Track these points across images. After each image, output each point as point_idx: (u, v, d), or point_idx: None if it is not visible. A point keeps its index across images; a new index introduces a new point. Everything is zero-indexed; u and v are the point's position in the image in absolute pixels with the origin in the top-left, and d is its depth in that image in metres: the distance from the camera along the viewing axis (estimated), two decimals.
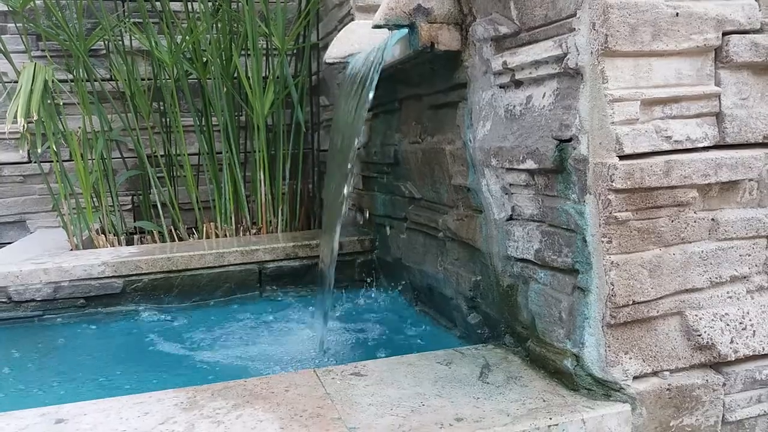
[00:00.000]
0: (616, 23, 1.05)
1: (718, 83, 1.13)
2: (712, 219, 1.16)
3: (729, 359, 1.18)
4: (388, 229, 2.30)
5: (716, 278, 1.17)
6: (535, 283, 1.32)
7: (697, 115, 1.12)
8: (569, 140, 1.15)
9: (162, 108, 3.00)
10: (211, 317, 2.23)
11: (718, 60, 1.13)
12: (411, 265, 2.08)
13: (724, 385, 1.18)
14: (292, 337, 2.01)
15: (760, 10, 1.12)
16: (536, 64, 1.25)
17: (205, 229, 2.69)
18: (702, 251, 1.15)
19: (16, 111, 2.06)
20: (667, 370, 1.16)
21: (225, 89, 2.70)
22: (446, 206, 1.78)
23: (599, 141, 1.09)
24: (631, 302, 1.11)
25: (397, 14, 1.54)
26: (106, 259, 2.26)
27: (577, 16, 1.12)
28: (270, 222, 2.74)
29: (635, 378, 1.15)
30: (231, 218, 2.71)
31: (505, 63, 1.36)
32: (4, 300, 2.17)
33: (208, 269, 2.33)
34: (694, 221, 1.15)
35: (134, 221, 3.17)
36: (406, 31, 1.60)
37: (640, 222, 1.11)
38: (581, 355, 1.18)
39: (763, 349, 1.20)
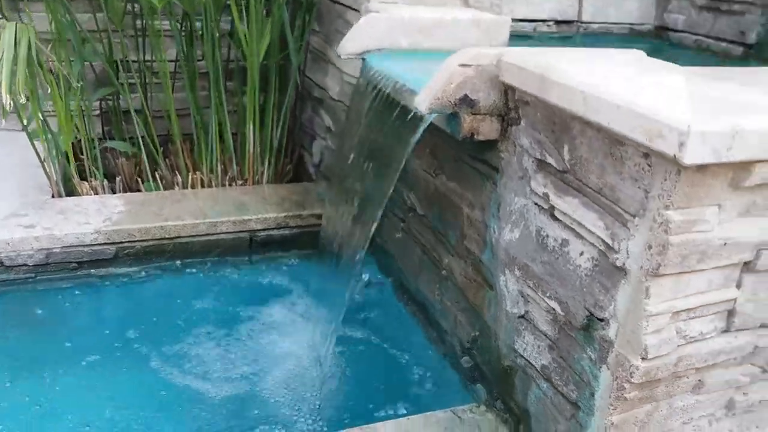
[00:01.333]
0: (671, 255, 1.14)
1: (738, 285, 1.27)
2: (699, 380, 1.36)
3: None
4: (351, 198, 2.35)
5: (689, 421, 1.41)
6: (536, 387, 1.52)
7: (714, 314, 1.27)
8: (600, 320, 1.28)
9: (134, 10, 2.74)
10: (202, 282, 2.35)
11: (745, 267, 1.25)
12: (404, 268, 2.22)
13: None
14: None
15: None
16: (581, 226, 1.33)
17: (191, 178, 2.65)
18: (684, 405, 1.37)
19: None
20: None
21: (213, 39, 2.50)
22: (454, 250, 1.89)
23: (628, 339, 1.23)
24: None
25: (443, 104, 1.51)
26: (98, 226, 2.25)
27: (635, 222, 1.19)
28: (257, 171, 2.73)
29: None
30: (217, 167, 2.68)
31: (547, 195, 1.42)
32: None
33: (201, 236, 2.38)
34: (685, 384, 1.35)
35: (102, 128, 3.04)
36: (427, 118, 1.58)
37: (642, 393, 1.30)
38: None
39: None
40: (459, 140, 1.56)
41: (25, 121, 2.28)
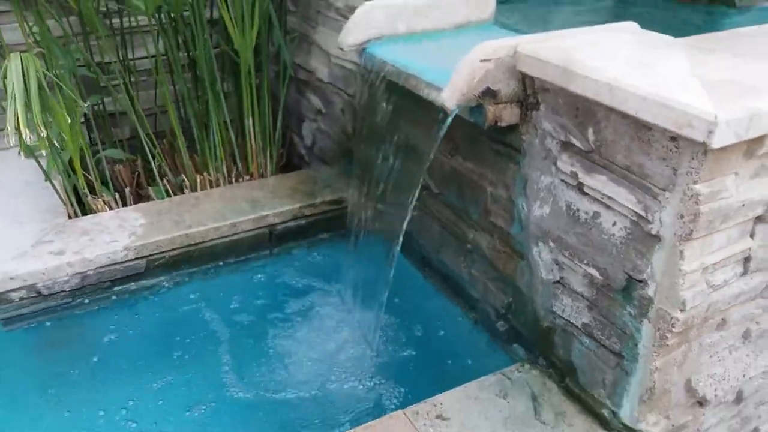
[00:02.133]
0: (701, 222, 1.31)
1: (752, 236, 1.46)
2: (723, 318, 1.57)
3: (710, 400, 1.69)
4: (375, 189, 2.47)
5: (714, 354, 1.62)
6: (578, 343, 1.71)
7: (734, 262, 1.46)
8: (639, 281, 1.46)
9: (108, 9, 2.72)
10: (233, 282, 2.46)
11: (758, 220, 1.44)
12: (424, 244, 2.37)
13: (704, 415, 1.71)
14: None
15: None
16: (611, 200, 1.49)
17: (199, 181, 2.71)
18: (710, 341, 1.58)
19: (17, 121, 1.90)
20: (672, 414, 1.65)
21: (204, 32, 2.53)
22: (478, 225, 2.04)
23: (666, 296, 1.41)
24: (663, 389, 1.55)
25: (468, 98, 1.63)
26: (126, 243, 2.32)
27: (666, 196, 1.35)
28: (260, 164, 2.81)
29: (653, 424, 1.63)
30: (222, 165, 2.74)
31: (575, 174, 1.57)
32: (34, 295, 2.23)
33: (223, 238, 2.47)
34: (711, 324, 1.55)
35: (89, 136, 3.05)
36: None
37: (679, 339, 1.50)
38: (618, 411, 1.63)
39: (731, 387, 1.71)
40: (483, 128, 1.69)
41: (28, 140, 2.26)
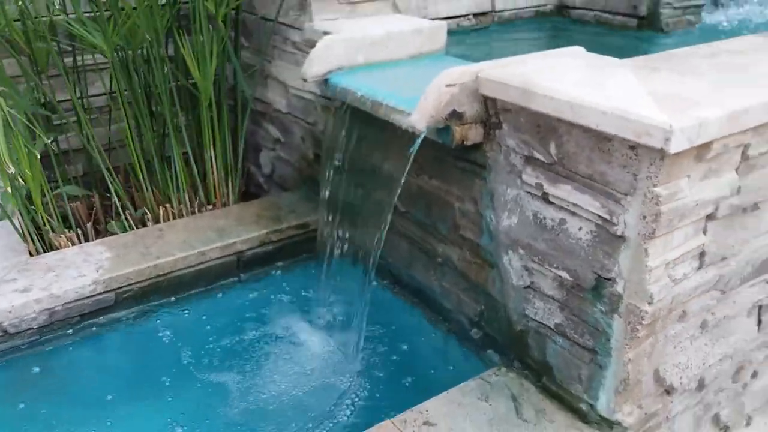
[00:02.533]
0: (662, 221, 1.45)
1: (705, 232, 1.61)
2: (683, 311, 1.71)
3: (676, 388, 1.82)
4: (344, 214, 2.55)
5: (677, 344, 1.76)
6: (552, 343, 1.82)
7: (691, 257, 1.61)
8: (608, 279, 1.59)
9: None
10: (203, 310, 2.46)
11: (708, 218, 1.59)
12: (392, 260, 2.44)
13: (672, 402, 1.84)
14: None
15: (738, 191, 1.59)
16: (576, 206, 1.61)
17: (162, 213, 2.71)
18: (674, 332, 1.72)
19: None
20: (644, 403, 1.78)
21: (164, 68, 2.56)
22: (447, 240, 2.14)
23: (635, 291, 1.54)
24: (636, 379, 1.67)
25: (436, 120, 1.74)
26: (94, 277, 2.30)
27: (628, 200, 1.49)
28: (223, 193, 2.83)
29: (628, 414, 1.75)
30: (185, 195, 2.75)
31: (540, 185, 1.69)
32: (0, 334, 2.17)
33: (191, 267, 2.48)
34: (673, 316, 1.69)
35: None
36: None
37: (648, 331, 1.62)
38: (595, 404, 1.74)
39: (694, 375, 1.86)
40: (451, 147, 1.80)
41: None
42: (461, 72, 1.74)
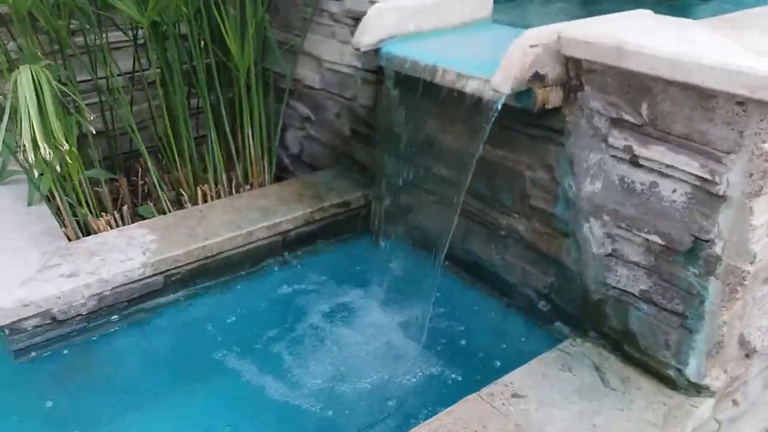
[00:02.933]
0: None
1: None
2: None
3: (758, 351, 1.81)
4: (403, 193, 2.50)
5: (762, 306, 1.74)
6: (636, 311, 1.79)
7: None
8: (706, 241, 1.56)
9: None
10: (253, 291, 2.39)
11: None
12: (427, 224, 2.38)
13: (751, 365, 1.83)
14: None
15: None
16: (671, 167, 1.58)
17: (199, 193, 2.62)
18: (761, 295, 1.70)
19: (33, 135, 1.77)
20: (728, 367, 1.76)
21: (200, 44, 2.47)
22: (511, 211, 2.10)
23: (736, 251, 1.51)
24: (727, 343, 1.65)
25: (520, 82, 1.69)
26: (141, 259, 2.21)
27: (731, 158, 1.45)
28: (260, 173, 2.75)
29: (716, 378, 1.73)
30: (222, 176, 2.67)
31: (629, 148, 1.65)
32: (48, 322, 2.08)
33: (239, 248, 2.40)
34: (762, 277, 1.67)
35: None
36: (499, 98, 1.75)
37: (743, 292, 1.60)
38: (683, 370, 1.72)
39: None
40: (528, 111, 1.75)
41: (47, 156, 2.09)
42: (543, 32, 1.69)
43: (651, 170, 1.63)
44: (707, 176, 1.51)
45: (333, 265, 2.52)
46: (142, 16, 2.26)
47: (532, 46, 1.67)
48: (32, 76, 1.83)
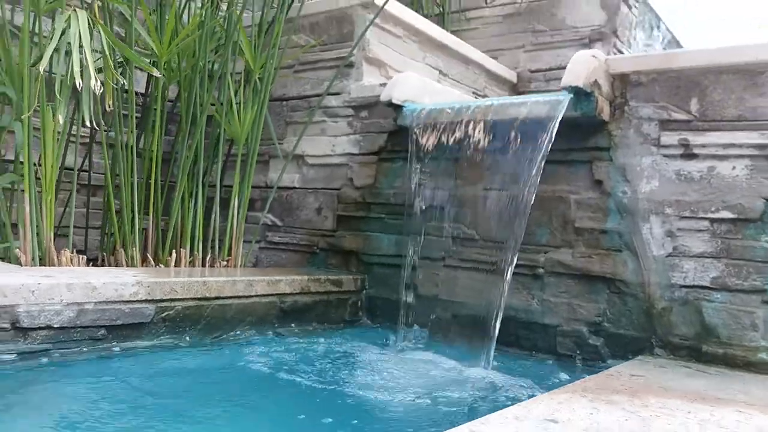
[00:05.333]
0: None
1: None
2: None
3: None
4: (405, 268, 2.38)
5: None
6: (709, 303, 1.79)
7: None
8: None
9: None
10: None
11: None
12: (463, 300, 2.25)
13: None
14: None
15: None
16: (728, 146, 1.79)
17: (174, 255, 2.24)
18: None
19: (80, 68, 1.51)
20: None
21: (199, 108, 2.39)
22: (547, 246, 2.09)
23: None
24: None
25: (586, 83, 1.88)
26: (139, 278, 1.77)
27: None
28: (237, 252, 2.46)
29: None
30: (199, 247, 2.34)
31: (684, 140, 1.85)
32: (5, 326, 1.50)
33: (238, 299, 2.02)
34: None
35: None
36: (564, 98, 1.94)
37: None
38: None
39: None
40: (591, 117, 1.92)
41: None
42: (596, 50, 1.96)
43: (706, 157, 1.82)
44: (765, 142, 1.73)
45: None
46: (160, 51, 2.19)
47: (593, 56, 1.92)
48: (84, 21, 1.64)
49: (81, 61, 1.57)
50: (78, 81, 1.56)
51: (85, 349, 1.65)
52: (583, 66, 1.89)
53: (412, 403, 1.55)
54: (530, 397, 1.50)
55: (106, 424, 1.26)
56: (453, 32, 3.50)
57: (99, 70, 1.82)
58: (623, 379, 1.49)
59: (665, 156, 1.90)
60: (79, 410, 1.32)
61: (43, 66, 1.57)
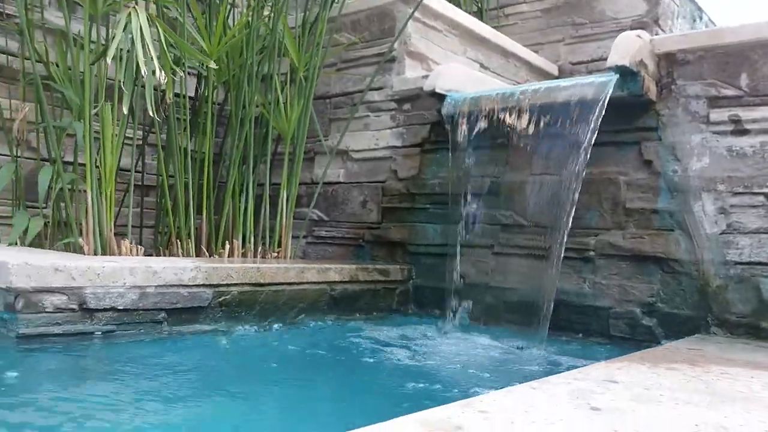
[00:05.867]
0: None
1: None
2: None
3: None
4: (454, 257, 2.39)
5: None
6: (765, 279, 1.76)
7: None
8: None
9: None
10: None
11: None
12: (514, 286, 2.25)
13: None
14: None
15: None
16: None
17: (227, 247, 2.31)
18: None
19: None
20: None
21: (247, 104, 2.46)
22: (597, 229, 2.08)
23: None
24: None
25: (632, 62, 1.88)
26: (197, 263, 1.83)
27: None
28: (288, 243, 2.52)
29: None
30: (251, 240, 2.40)
31: (735, 116, 1.83)
32: (73, 306, 1.57)
33: (290, 285, 2.07)
34: None
35: None
36: (610, 79, 1.94)
37: None
38: None
39: None
40: (637, 97, 1.92)
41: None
42: (640, 33, 1.96)
43: (759, 132, 1.80)
44: None
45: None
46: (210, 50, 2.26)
47: (637, 36, 1.91)
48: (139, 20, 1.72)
49: (144, 54, 1.64)
50: (143, 69, 1.63)
51: (146, 330, 1.72)
52: (628, 46, 1.89)
53: (475, 373, 1.59)
54: None
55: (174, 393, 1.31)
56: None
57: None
58: (681, 352, 1.47)
59: (715, 133, 1.87)
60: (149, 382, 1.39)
61: (110, 56, 1.64)
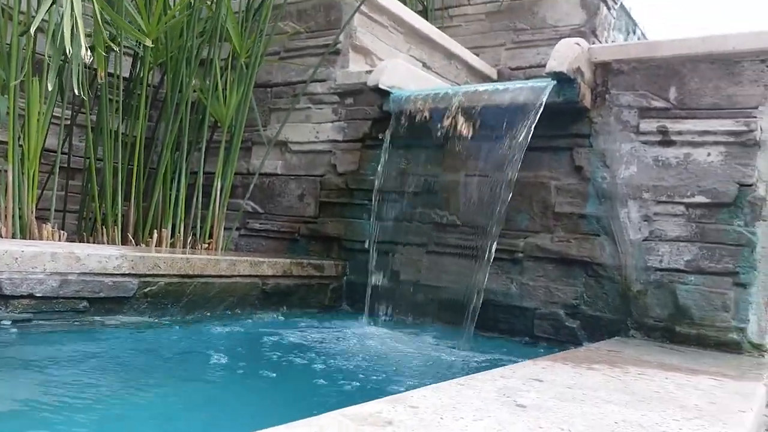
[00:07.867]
0: None
1: None
2: None
3: None
4: (389, 254, 2.40)
5: None
6: (683, 285, 1.84)
7: None
8: (749, 185, 1.77)
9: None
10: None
11: None
12: (444, 285, 2.27)
13: None
14: None
15: None
16: (704, 133, 1.85)
17: (156, 236, 2.23)
18: None
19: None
20: None
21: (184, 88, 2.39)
22: (527, 231, 2.13)
23: None
24: None
25: (569, 69, 1.93)
26: (123, 251, 1.77)
27: (759, 109, 1.78)
28: (219, 234, 2.46)
29: None
30: (181, 229, 2.33)
31: (663, 127, 1.91)
32: None
33: (220, 278, 2.02)
34: None
35: None
36: (548, 84, 1.99)
37: None
38: (745, 329, 1.75)
39: None
40: (573, 103, 1.97)
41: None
42: (578, 39, 2.01)
43: (683, 143, 1.88)
44: (742, 128, 1.79)
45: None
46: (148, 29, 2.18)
47: (576, 44, 1.97)
48: None
49: (72, 29, 1.56)
50: (67, 45, 1.55)
51: (66, 320, 1.64)
52: (567, 53, 1.94)
53: (404, 370, 1.60)
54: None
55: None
56: None
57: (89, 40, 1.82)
58: (602, 354, 1.53)
59: (644, 143, 1.95)
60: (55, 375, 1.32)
61: (33, 28, 1.55)
